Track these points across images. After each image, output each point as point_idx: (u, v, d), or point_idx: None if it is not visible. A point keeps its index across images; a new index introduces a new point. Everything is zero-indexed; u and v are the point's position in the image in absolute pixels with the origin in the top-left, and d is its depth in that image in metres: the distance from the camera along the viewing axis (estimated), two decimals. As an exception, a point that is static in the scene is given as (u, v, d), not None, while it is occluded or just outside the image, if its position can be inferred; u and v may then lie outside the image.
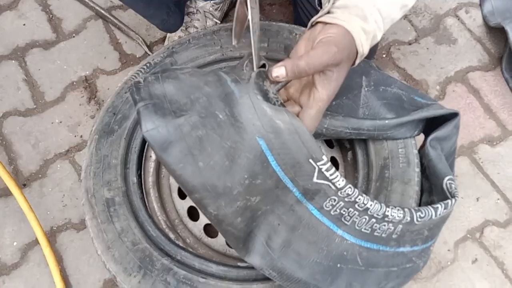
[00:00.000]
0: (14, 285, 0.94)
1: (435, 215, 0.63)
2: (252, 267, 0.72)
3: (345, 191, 0.59)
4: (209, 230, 0.80)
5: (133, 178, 0.78)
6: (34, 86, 1.12)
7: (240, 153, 0.57)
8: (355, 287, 0.61)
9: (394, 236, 0.61)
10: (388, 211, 0.60)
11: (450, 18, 1.21)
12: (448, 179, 0.67)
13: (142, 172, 0.81)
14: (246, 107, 0.58)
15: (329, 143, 0.86)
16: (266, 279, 0.70)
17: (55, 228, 0.99)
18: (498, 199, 1.02)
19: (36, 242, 0.96)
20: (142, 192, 0.78)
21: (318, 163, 0.58)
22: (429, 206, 0.63)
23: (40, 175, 1.03)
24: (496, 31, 1.18)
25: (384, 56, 1.15)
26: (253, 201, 0.59)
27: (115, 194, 0.75)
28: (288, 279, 0.61)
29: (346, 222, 0.60)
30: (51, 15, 1.21)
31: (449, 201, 0.64)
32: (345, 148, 0.85)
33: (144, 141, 0.82)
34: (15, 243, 0.97)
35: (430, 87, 1.12)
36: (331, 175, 0.59)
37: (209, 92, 0.60)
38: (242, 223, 0.59)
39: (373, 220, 0.60)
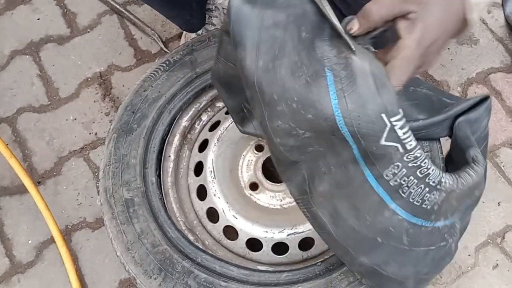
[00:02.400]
0: (29, 283, 0.93)
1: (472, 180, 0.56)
2: (273, 271, 0.71)
3: (413, 154, 0.51)
4: (229, 232, 0.79)
5: (152, 178, 0.77)
6: (48, 82, 1.11)
7: (302, 74, 0.51)
8: (391, 266, 0.56)
9: (435, 207, 0.54)
10: (443, 178, 0.53)
11: (471, 18, 1.18)
12: (473, 150, 0.60)
13: (161, 172, 0.80)
14: (327, 43, 0.52)
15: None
16: (288, 283, 0.69)
17: (70, 227, 0.98)
18: (520, 203, 1.00)
19: (51, 240, 0.95)
20: (161, 193, 0.77)
21: (392, 119, 0.49)
22: (464, 172, 0.56)
23: (54, 173, 1.02)
24: (519, 32, 1.15)
25: (404, 56, 1.13)
26: (301, 133, 0.53)
27: (134, 195, 0.74)
28: (320, 227, 0.58)
29: (402, 194, 0.52)
30: (65, 10, 1.19)
31: (476, 167, 0.57)
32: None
33: (162, 141, 0.80)
34: (30, 241, 0.96)
35: (451, 88, 1.10)
36: (404, 133, 0.50)
37: (306, 10, 0.53)
38: (292, 143, 0.54)
39: (426, 189, 0.52)
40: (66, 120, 1.07)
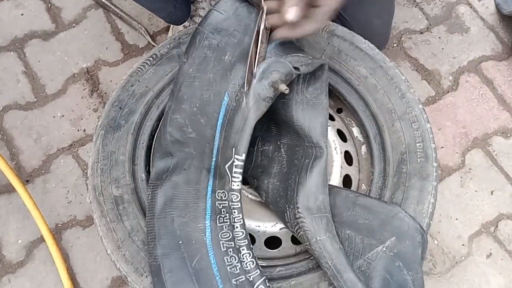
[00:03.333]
0: (20, 283, 0.92)
1: None
2: (266, 266, 0.70)
3: (233, 193, 0.62)
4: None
5: (141, 175, 0.75)
6: (34, 79, 1.09)
7: (209, 89, 0.65)
8: None
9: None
10: (244, 252, 0.64)
11: (462, 6, 1.17)
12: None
13: (151, 168, 0.79)
14: (244, 68, 0.62)
15: (343, 137, 0.83)
16: (281, 278, 0.68)
17: (60, 225, 0.96)
18: (512, 192, 1.00)
19: (41, 239, 0.94)
20: (151, 189, 0.76)
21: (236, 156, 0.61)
22: None
23: (43, 171, 1.01)
24: (509, 20, 1.15)
25: (395, 45, 1.12)
26: (188, 132, 0.66)
27: (123, 192, 0.73)
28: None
29: (221, 224, 0.63)
30: (49, 4, 1.16)
31: None
32: (359, 142, 0.83)
33: (151, 136, 0.79)
34: (19, 241, 0.95)
35: (442, 77, 1.09)
36: (235, 173, 0.61)
37: (241, 40, 0.66)
38: (177, 137, 0.68)
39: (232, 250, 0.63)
40: (54, 117, 1.05)
